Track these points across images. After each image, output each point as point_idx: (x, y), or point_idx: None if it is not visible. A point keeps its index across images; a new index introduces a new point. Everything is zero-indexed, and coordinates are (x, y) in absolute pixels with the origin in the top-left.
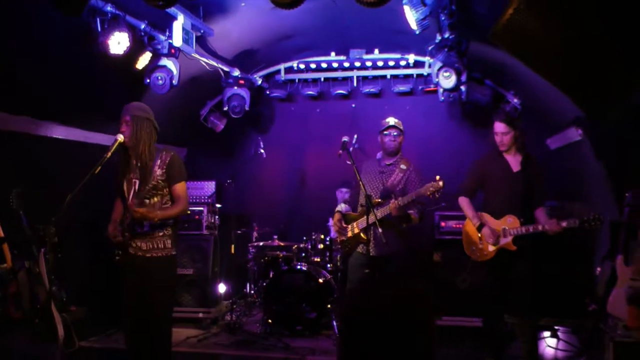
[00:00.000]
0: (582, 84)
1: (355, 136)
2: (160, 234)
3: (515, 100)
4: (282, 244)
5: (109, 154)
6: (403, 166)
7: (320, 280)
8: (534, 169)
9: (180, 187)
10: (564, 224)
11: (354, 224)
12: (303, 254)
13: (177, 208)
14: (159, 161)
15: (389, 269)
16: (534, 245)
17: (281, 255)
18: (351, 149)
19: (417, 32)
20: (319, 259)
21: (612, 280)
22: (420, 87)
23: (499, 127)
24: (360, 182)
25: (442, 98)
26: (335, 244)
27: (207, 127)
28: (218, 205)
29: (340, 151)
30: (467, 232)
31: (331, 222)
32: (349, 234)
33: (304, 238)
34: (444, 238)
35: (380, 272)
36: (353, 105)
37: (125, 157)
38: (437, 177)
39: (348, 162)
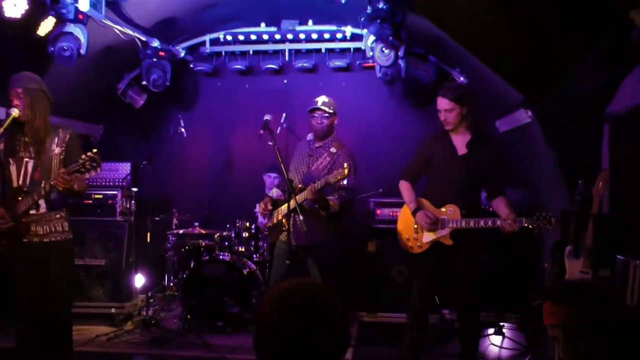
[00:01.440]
0: (512, 64)
1: (284, 115)
2: (57, 215)
3: (462, 79)
4: (204, 232)
5: (2, 129)
6: (333, 149)
7: (245, 272)
8: (485, 151)
9: None
10: (518, 223)
11: (279, 209)
12: (226, 243)
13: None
14: (56, 139)
15: (310, 260)
16: (473, 239)
17: (203, 244)
18: (279, 128)
19: (343, 1)
20: (243, 249)
21: (560, 273)
22: (357, 62)
23: (442, 103)
24: (282, 165)
25: (380, 75)
26: (261, 232)
27: (125, 102)
28: (134, 189)
29: (262, 131)
30: (403, 220)
31: (258, 208)
32: (274, 220)
33: (228, 226)
34: (379, 227)
35: (301, 263)
36: (285, 81)
37: (12, 134)
38: (345, 165)
39: (270, 143)
